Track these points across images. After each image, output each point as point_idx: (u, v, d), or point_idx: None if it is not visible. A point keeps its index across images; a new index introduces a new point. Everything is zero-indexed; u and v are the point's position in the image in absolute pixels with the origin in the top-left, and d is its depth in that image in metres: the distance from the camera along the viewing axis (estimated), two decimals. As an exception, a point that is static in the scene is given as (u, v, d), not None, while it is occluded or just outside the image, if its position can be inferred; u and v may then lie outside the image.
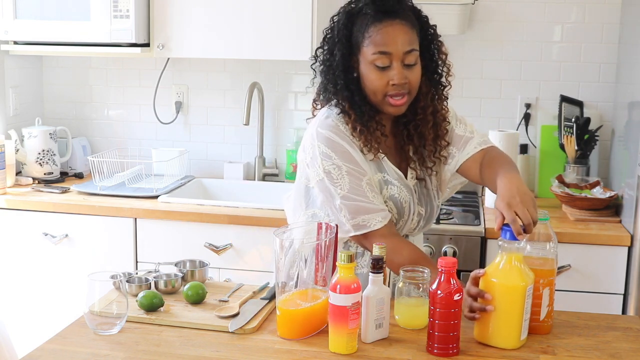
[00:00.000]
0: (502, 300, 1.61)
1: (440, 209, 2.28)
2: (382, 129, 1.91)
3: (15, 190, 3.14)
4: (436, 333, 1.58)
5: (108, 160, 3.23)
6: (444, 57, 1.95)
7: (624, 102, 2.95)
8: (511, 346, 1.63)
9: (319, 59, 1.95)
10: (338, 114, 1.90)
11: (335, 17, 1.93)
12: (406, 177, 1.96)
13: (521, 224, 1.60)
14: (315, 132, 1.89)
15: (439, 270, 1.57)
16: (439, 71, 1.94)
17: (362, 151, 1.89)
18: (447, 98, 1.99)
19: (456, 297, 1.55)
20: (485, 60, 3.28)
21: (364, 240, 1.88)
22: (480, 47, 3.27)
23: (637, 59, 2.81)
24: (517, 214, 1.61)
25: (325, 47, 1.93)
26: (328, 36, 1.93)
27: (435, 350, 1.58)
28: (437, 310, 1.56)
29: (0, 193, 3.06)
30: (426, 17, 1.94)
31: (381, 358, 1.58)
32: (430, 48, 1.92)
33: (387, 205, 1.90)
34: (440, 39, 1.95)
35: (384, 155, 1.93)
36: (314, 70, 1.96)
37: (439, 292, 1.56)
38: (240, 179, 3.40)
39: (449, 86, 1.98)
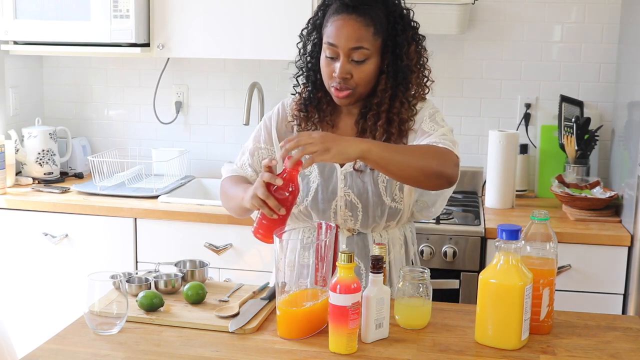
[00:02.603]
0: (501, 300, 1.61)
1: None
2: (329, 117, 1.99)
3: (15, 190, 3.14)
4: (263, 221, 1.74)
5: (108, 160, 3.23)
6: (421, 58, 1.92)
7: (624, 102, 2.95)
8: (512, 347, 1.63)
9: (302, 39, 2.01)
10: (292, 93, 2.05)
11: (320, 2, 1.98)
12: (342, 165, 1.96)
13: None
14: None
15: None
16: (402, 69, 1.89)
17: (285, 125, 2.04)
18: (415, 101, 1.94)
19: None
20: (485, 60, 3.28)
21: None
22: (480, 47, 3.27)
23: (637, 59, 2.81)
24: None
25: (306, 29, 2.00)
26: (311, 18, 1.99)
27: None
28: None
29: (0, 193, 3.07)
30: (402, 14, 1.90)
31: (381, 358, 1.58)
32: (397, 45, 1.89)
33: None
34: (417, 37, 1.92)
35: None
36: (297, 47, 2.03)
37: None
38: (240, 179, 3.39)
39: (424, 88, 1.95)
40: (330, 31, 1.87)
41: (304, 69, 2.01)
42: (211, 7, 3.05)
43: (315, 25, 1.96)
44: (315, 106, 1.99)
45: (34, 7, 3.09)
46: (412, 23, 1.93)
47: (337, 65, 1.87)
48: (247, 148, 2.11)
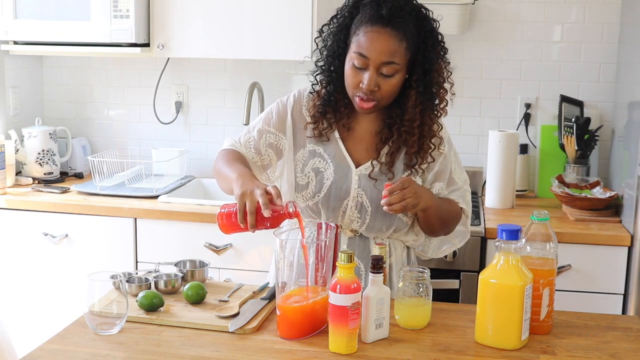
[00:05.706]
0: (501, 300, 1.61)
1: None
2: (346, 120, 1.97)
3: (15, 190, 3.14)
4: None
5: (108, 160, 3.23)
6: (445, 73, 1.92)
7: (624, 102, 2.95)
8: (512, 347, 1.63)
9: (323, 35, 1.98)
10: (310, 91, 2.02)
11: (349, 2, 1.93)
12: (357, 166, 1.96)
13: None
14: None
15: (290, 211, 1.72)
16: (431, 85, 1.90)
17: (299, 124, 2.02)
18: (440, 115, 1.95)
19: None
20: (485, 60, 3.28)
21: None
22: (480, 47, 3.27)
23: (637, 59, 2.81)
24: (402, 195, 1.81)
25: (330, 27, 1.95)
26: (335, 16, 1.95)
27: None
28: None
29: (0, 193, 3.07)
30: (432, 29, 1.89)
31: (381, 358, 1.58)
32: (426, 60, 1.88)
33: (306, 175, 1.98)
34: (444, 51, 1.91)
35: (339, 138, 1.98)
36: (316, 44, 2.00)
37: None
38: (240, 179, 3.39)
39: (446, 102, 1.95)
40: (362, 41, 1.83)
41: (324, 68, 1.97)
42: (211, 7, 3.05)
43: (342, 27, 1.91)
44: (332, 107, 1.97)
45: (34, 7, 3.09)
46: (439, 36, 1.91)
47: (366, 76, 1.84)
48: (255, 127, 2.05)
